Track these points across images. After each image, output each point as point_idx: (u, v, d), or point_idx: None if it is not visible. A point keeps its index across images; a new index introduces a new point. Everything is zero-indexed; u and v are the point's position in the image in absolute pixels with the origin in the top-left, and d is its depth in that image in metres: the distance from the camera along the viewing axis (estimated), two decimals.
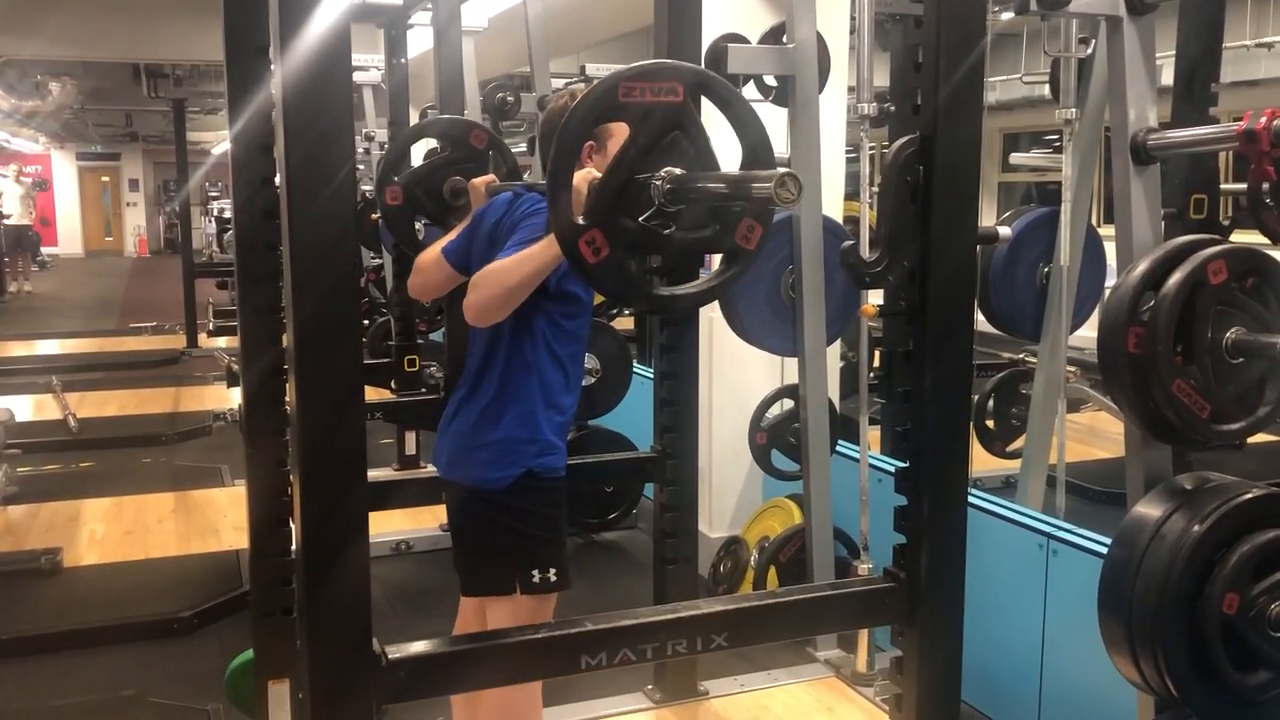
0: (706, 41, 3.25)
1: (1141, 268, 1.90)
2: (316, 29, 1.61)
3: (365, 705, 1.77)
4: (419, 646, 1.90)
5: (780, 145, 3.35)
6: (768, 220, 1.78)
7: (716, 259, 1.83)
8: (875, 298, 3.33)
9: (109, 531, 4.92)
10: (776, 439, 3.79)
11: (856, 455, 3.44)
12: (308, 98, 1.63)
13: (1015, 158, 8.09)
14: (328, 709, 1.75)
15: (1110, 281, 2.59)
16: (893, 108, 3.67)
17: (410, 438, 5.20)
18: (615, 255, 1.69)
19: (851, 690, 3.26)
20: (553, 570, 2.30)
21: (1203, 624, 1.84)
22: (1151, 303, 1.87)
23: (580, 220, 1.67)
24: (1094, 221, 4.28)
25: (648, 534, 4.12)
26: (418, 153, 3.69)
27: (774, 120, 2.96)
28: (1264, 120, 1.87)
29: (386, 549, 4.55)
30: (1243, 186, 1.99)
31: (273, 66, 1.83)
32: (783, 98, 3.43)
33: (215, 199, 18.95)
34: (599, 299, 3.37)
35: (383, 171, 3.39)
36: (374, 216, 5.09)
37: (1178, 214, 2.38)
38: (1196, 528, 1.84)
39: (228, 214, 12.32)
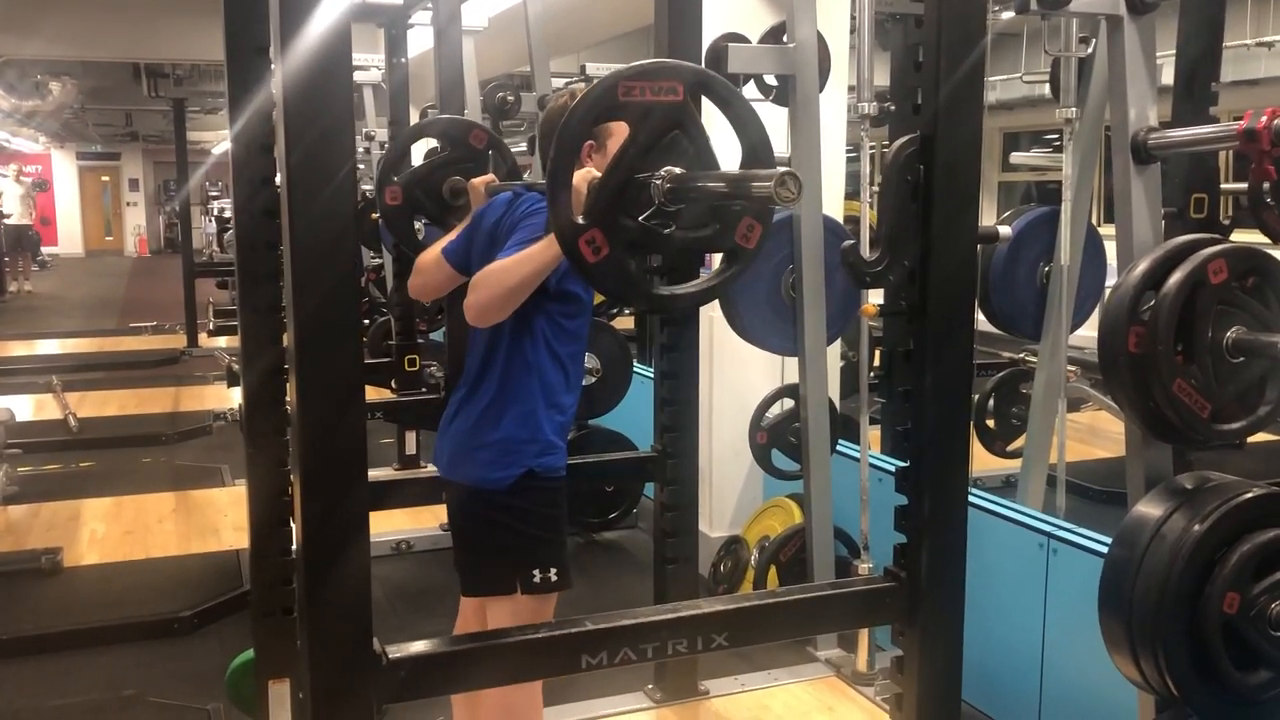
0: (707, 41, 3.25)
1: (1142, 267, 1.90)
2: (317, 28, 1.61)
3: (366, 705, 1.77)
4: (419, 646, 1.90)
5: (780, 145, 3.35)
6: (768, 219, 1.78)
7: (717, 258, 1.83)
8: (875, 297, 3.33)
9: (109, 531, 4.92)
10: (777, 438, 3.79)
11: (857, 455, 3.44)
12: (308, 97, 1.63)
13: (1015, 157, 8.12)
14: (328, 708, 1.75)
15: (1110, 281, 2.59)
16: (893, 107, 3.66)
17: (410, 437, 5.21)
18: (615, 254, 1.69)
19: (852, 690, 3.26)
20: (553, 570, 2.30)
21: (1203, 623, 1.84)
22: (1152, 302, 1.87)
23: (580, 219, 1.67)
24: (1094, 221, 4.28)
25: (648, 533, 4.12)
26: (418, 152, 3.69)
27: (774, 120, 2.96)
28: (1264, 119, 1.87)
29: (387, 548, 4.55)
30: (1243, 186, 1.99)
31: (273, 66, 1.83)
32: (783, 97, 3.42)
33: (215, 198, 18.93)
34: (599, 298, 3.38)
35: (382, 171, 3.39)
36: (374, 216, 5.09)
37: (1178, 213, 2.38)
38: (1197, 527, 1.84)
39: (228, 213, 12.34)
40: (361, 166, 6.92)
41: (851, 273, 2.58)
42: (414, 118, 5.35)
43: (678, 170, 1.69)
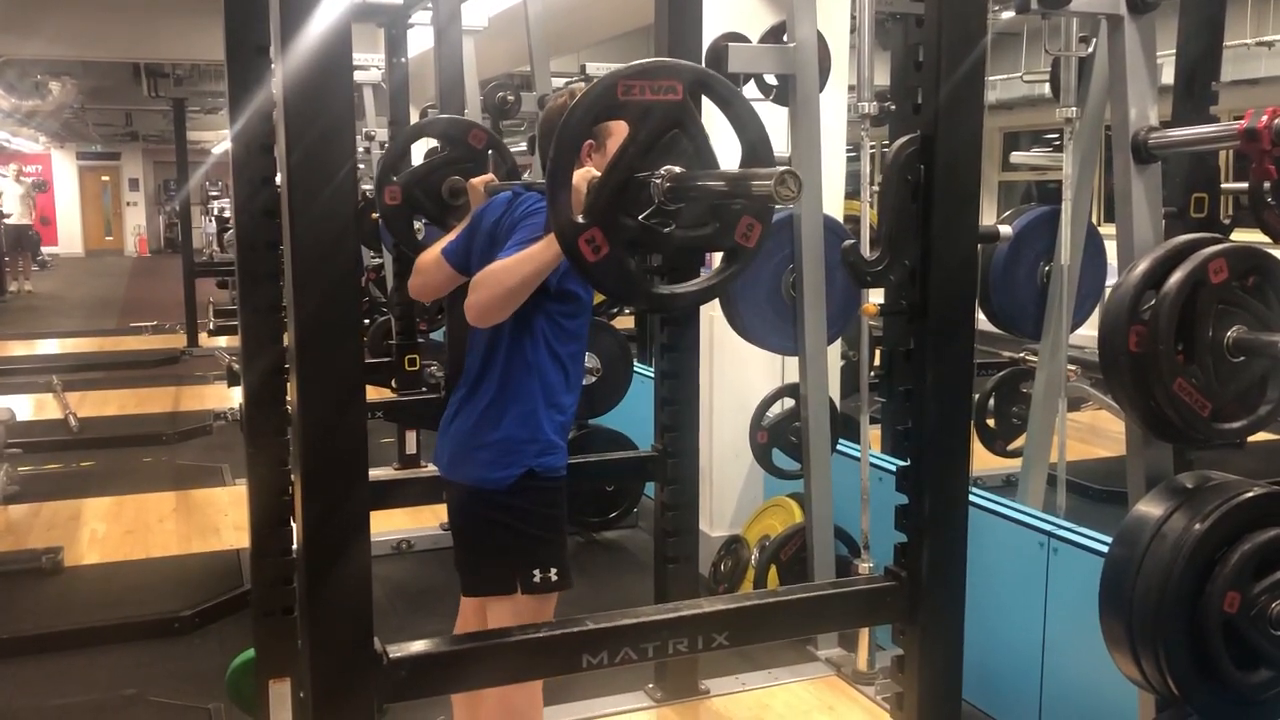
0: (707, 40, 3.25)
1: (1142, 266, 1.90)
2: (317, 28, 1.61)
3: (366, 704, 1.78)
4: (420, 645, 1.90)
5: (781, 144, 3.35)
6: (768, 218, 1.78)
7: (717, 257, 1.83)
8: (876, 296, 3.32)
9: (110, 531, 4.92)
10: (777, 438, 3.79)
11: (857, 454, 3.44)
12: (308, 97, 1.63)
13: (1016, 156, 8.11)
14: (329, 708, 1.75)
15: (1111, 280, 2.59)
16: (893, 106, 3.67)
17: (411, 437, 5.20)
18: (615, 254, 1.69)
19: (852, 689, 3.26)
20: (553, 570, 2.29)
21: (1204, 622, 1.84)
22: (1152, 301, 1.87)
23: (580, 219, 1.67)
24: (1094, 220, 4.28)
25: (648, 533, 4.12)
26: (418, 152, 3.69)
27: (774, 119, 2.96)
28: (1265, 119, 1.87)
29: (387, 548, 4.55)
30: (1243, 185, 1.99)
31: (273, 65, 1.83)
32: (783, 97, 3.42)
33: (215, 198, 18.94)
34: (599, 298, 3.38)
35: (382, 171, 3.39)
36: (374, 216, 5.09)
37: (1178, 213, 2.38)
38: (1198, 526, 1.84)
39: (228, 213, 12.36)
40: (361, 166, 6.91)
41: (852, 272, 2.58)
42: (414, 117, 5.35)
43: (677, 169, 1.69)
